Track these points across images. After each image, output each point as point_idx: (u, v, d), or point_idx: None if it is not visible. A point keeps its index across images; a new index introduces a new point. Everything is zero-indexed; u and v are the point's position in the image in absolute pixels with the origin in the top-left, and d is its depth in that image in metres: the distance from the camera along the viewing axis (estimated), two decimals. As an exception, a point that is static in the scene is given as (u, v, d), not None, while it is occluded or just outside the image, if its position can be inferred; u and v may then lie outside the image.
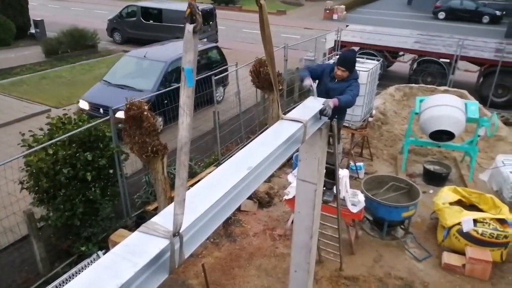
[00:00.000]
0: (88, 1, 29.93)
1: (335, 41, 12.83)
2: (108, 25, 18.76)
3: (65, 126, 5.61)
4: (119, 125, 5.86)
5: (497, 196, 6.44)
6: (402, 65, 14.18)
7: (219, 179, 2.15)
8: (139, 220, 6.16)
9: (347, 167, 7.57)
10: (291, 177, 5.97)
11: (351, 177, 7.02)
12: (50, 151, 5.19)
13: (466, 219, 5.59)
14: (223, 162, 2.39)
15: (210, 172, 2.28)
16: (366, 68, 7.07)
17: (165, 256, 1.66)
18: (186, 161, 1.66)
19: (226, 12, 26.84)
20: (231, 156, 2.46)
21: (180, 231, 1.69)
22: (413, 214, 6.15)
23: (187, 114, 1.62)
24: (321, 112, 3.25)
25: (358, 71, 4.93)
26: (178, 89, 1.74)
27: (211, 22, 17.01)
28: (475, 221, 5.57)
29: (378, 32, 14.59)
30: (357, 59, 5.47)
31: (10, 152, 6.39)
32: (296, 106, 3.37)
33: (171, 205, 1.73)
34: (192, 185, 2.12)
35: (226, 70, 9.81)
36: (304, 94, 10.67)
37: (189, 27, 1.56)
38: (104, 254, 4.15)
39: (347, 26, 15.90)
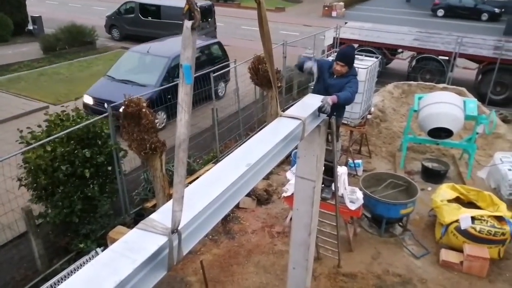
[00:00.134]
0: (86, -3, 29.83)
1: (334, 38, 12.84)
2: (106, 21, 18.70)
3: (63, 123, 5.59)
4: (119, 121, 5.85)
5: (495, 194, 6.46)
6: (400, 63, 14.17)
7: (218, 176, 2.16)
8: (137, 217, 6.15)
9: (346, 164, 7.57)
10: (289, 174, 5.97)
11: (349, 174, 7.03)
12: (48, 148, 5.18)
13: (464, 216, 5.61)
14: (222, 159, 2.39)
15: (209, 169, 2.28)
16: (365, 65, 7.07)
17: (164, 253, 1.66)
18: (184, 158, 1.66)
19: (224, 9, 26.79)
20: (229, 153, 2.46)
21: (179, 228, 1.69)
22: (411, 211, 6.16)
23: (186, 111, 1.61)
24: (320, 109, 3.25)
25: (356, 68, 4.92)
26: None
27: (209, 19, 16.97)
28: (473, 219, 5.59)
29: (377, 29, 14.58)
30: (356, 56, 5.47)
31: (8, 149, 6.37)
32: (295, 103, 3.36)
33: (170, 202, 1.74)
34: (190, 182, 2.12)
35: (227, 65, 9.88)
36: (303, 91, 10.68)
37: (187, 24, 1.56)
38: (102, 251, 4.14)
39: (346, 23, 15.88)
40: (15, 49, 16.19)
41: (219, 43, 12.15)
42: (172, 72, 9.77)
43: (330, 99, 3.40)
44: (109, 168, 5.98)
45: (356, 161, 7.84)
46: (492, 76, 11.80)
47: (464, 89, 10.02)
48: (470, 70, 12.89)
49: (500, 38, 15.38)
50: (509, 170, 7.00)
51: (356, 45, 12.70)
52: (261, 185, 7.04)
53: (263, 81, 8.23)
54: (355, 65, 4.61)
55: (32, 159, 5.14)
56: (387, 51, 13.42)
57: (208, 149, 8.23)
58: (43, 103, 10.80)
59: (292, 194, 4.39)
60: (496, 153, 7.82)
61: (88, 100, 9.55)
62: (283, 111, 3.09)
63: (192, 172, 7.17)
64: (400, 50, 14.05)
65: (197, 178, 2.19)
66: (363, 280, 5.39)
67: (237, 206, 6.60)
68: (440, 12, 28.38)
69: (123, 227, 5.72)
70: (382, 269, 5.58)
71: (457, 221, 5.64)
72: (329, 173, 4.46)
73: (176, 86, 1.68)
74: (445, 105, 7.29)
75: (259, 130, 3.29)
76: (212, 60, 11.27)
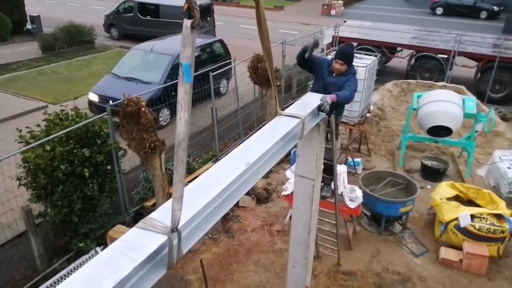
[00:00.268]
0: (85, -4, 29.76)
1: (333, 36, 12.82)
2: (105, 20, 18.67)
3: (62, 122, 5.59)
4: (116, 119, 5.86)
5: (494, 192, 6.46)
6: (400, 61, 14.17)
7: (217, 175, 2.16)
8: (137, 216, 6.15)
9: (345, 162, 7.58)
10: (289, 173, 5.97)
11: (349, 172, 7.04)
12: (48, 147, 5.17)
13: (463, 214, 5.62)
14: (221, 158, 2.39)
15: (208, 168, 2.28)
16: (364, 63, 7.07)
17: (163, 252, 1.66)
18: (184, 157, 1.66)
19: (223, 8, 26.75)
20: (229, 152, 2.46)
21: (178, 227, 1.69)
22: (411, 209, 6.17)
23: (185, 110, 1.61)
24: (319, 108, 3.25)
25: (356, 67, 4.92)
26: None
27: (208, 18, 16.97)
28: (472, 216, 5.59)
29: (376, 28, 14.56)
30: (355, 54, 5.46)
31: (7, 149, 6.36)
32: (294, 102, 3.36)
33: (169, 201, 1.74)
34: (190, 181, 2.11)
35: (230, 63, 9.96)
36: (302, 90, 10.68)
37: (187, 23, 1.55)
38: (102, 250, 4.15)
39: (345, 21, 15.87)
40: (14, 49, 16.16)
41: (221, 41, 12.26)
42: (176, 69, 9.86)
43: (329, 98, 3.40)
44: (109, 167, 5.97)
45: (355, 159, 7.84)
46: (491, 74, 11.80)
47: (463, 87, 10.01)
48: (469, 68, 12.89)
49: (499, 36, 15.38)
50: (508, 168, 7.01)
51: (355, 44, 12.72)
52: (261, 184, 7.05)
53: (262, 80, 8.23)
54: (354, 63, 4.60)
55: (31, 158, 5.13)
56: (386, 50, 13.41)
57: (207, 148, 8.23)
58: (42, 102, 10.80)
59: (292, 192, 4.40)
60: (495, 151, 7.82)
61: (93, 97, 9.69)
62: (282, 109, 3.09)
63: (191, 171, 7.17)
64: (399, 49, 14.04)
65: (196, 177, 2.19)
66: (363, 278, 5.39)
67: (236, 205, 6.60)
68: (439, 10, 28.38)
69: (122, 226, 5.72)
70: (382, 267, 5.58)
71: (456, 219, 5.65)
72: (329, 172, 4.47)
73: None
74: (444, 103, 7.29)
75: (258, 129, 3.29)
76: (214, 58, 11.43)
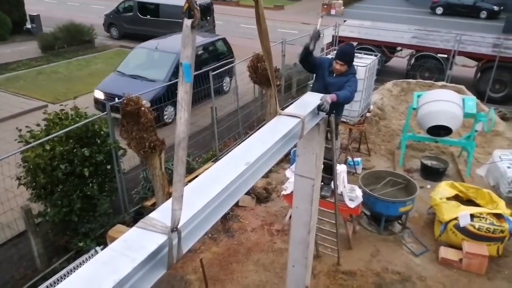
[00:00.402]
0: (85, -5, 29.74)
1: (333, 36, 12.81)
2: (105, 20, 18.65)
3: (62, 121, 5.59)
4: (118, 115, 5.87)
5: (494, 191, 6.46)
6: (400, 60, 14.16)
7: (217, 174, 2.15)
8: (137, 215, 6.15)
9: (345, 162, 7.58)
10: (289, 173, 5.97)
11: (348, 172, 7.04)
12: (47, 147, 5.17)
13: (463, 214, 5.62)
14: (221, 158, 2.39)
15: (208, 168, 2.28)
16: (364, 63, 7.07)
17: (163, 252, 1.66)
18: (184, 156, 1.65)
19: (223, 7, 26.71)
20: (229, 152, 2.46)
21: (178, 227, 1.69)
22: (411, 209, 6.17)
23: (185, 109, 1.61)
24: (319, 108, 3.25)
25: (356, 66, 4.92)
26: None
27: (208, 17, 16.97)
28: (472, 216, 5.59)
29: (376, 27, 14.55)
30: (355, 54, 5.45)
31: (7, 149, 6.35)
32: (294, 101, 3.36)
33: (169, 201, 1.73)
34: (190, 181, 2.11)
35: (233, 61, 10.03)
36: (302, 89, 10.67)
37: (187, 22, 1.55)
38: (102, 249, 4.15)
39: (345, 21, 15.85)
40: (14, 48, 16.15)
41: (224, 39, 12.33)
42: None
43: (329, 98, 3.40)
44: (108, 166, 5.97)
45: (355, 159, 7.84)
46: (491, 74, 11.80)
47: (463, 87, 10.01)
48: (469, 68, 12.88)
49: (499, 36, 15.36)
50: (508, 167, 7.01)
51: (355, 43, 12.72)
52: (261, 183, 7.05)
53: (262, 79, 8.22)
54: (354, 63, 4.60)
55: (31, 158, 5.13)
56: (386, 49, 13.41)
57: (207, 148, 8.23)
58: (41, 102, 10.80)
59: (292, 192, 4.40)
60: (495, 150, 7.82)
61: (99, 95, 9.76)
62: (282, 109, 3.09)
63: (191, 170, 7.17)
64: (399, 48, 14.04)
65: (196, 176, 2.19)
66: (362, 278, 5.39)
67: (236, 205, 6.60)
68: (439, 10, 28.36)
69: (122, 225, 5.72)
70: (381, 267, 5.59)
71: (456, 218, 5.65)
72: (329, 171, 4.47)
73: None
74: (444, 103, 7.29)
75: (258, 129, 3.28)
76: (217, 56, 11.51)
